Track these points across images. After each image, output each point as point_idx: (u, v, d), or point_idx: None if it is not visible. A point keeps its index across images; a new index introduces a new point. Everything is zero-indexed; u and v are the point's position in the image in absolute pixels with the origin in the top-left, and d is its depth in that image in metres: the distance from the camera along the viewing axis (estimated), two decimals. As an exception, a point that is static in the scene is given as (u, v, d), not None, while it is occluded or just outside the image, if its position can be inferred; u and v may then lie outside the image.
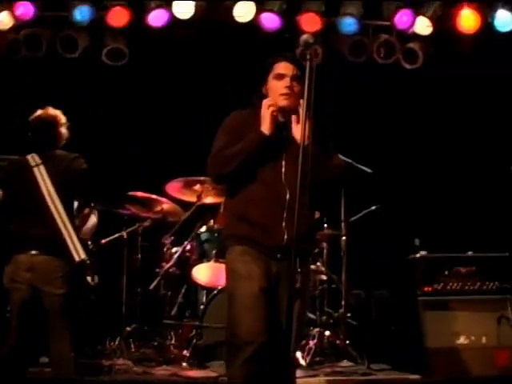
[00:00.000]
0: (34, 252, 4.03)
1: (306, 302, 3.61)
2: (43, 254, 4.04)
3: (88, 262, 4.07)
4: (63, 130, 4.40)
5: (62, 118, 4.42)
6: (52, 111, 4.42)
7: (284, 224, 3.28)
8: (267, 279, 3.28)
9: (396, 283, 5.93)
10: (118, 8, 6.26)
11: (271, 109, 3.37)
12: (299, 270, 3.02)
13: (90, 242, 4.61)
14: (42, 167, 4.23)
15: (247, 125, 3.45)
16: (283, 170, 3.36)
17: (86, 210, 4.30)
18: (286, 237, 3.27)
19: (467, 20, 6.43)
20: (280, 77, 3.43)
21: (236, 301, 3.27)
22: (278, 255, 3.29)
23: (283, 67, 3.46)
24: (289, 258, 3.00)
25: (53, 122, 4.36)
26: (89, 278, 4.09)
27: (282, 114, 3.44)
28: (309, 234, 3.38)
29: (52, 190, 4.13)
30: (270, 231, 3.31)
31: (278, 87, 3.42)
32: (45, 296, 4.00)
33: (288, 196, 3.29)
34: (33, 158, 4.25)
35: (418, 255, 5.50)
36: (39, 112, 4.39)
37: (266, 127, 3.35)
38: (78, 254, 4.05)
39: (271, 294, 3.27)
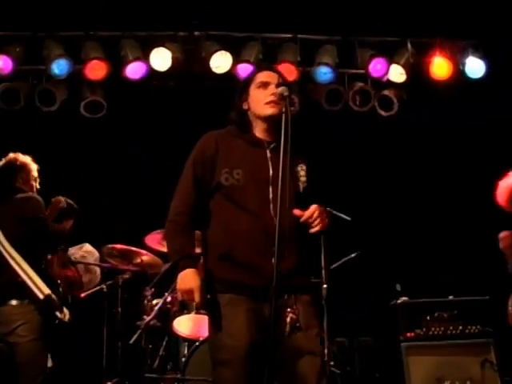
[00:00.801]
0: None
1: (316, 350, 3.08)
2: (3, 304, 3.98)
3: (53, 297, 3.97)
4: (24, 175, 4.38)
5: (25, 163, 4.41)
6: (11, 156, 4.43)
7: (273, 260, 2.86)
8: (258, 331, 2.94)
9: (379, 329, 5.91)
10: (95, 61, 6.32)
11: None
12: (294, 307, 2.88)
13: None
14: None
15: (220, 148, 3.19)
16: (271, 196, 3.06)
17: (49, 256, 4.20)
18: (275, 273, 2.83)
19: (439, 67, 6.59)
20: (264, 85, 3.22)
21: (220, 364, 3.00)
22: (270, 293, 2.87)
23: (267, 75, 3.27)
24: (281, 296, 2.84)
25: (10, 167, 4.37)
26: (58, 314, 4.00)
27: (267, 129, 3.21)
28: (301, 266, 3.09)
29: (1, 236, 4.07)
30: (257, 269, 2.96)
31: (263, 96, 3.19)
32: (13, 347, 3.92)
33: (277, 226, 2.89)
34: None
35: (399, 301, 5.50)
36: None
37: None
38: (41, 291, 3.96)
39: (264, 344, 2.88)
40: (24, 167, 4.42)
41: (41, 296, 3.93)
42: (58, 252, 4.28)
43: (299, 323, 2.89)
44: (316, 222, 3.02)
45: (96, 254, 5.59)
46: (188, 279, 3.05)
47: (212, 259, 3.13)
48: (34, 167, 4.49)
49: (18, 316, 3.93)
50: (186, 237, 3.15)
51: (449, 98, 6.66)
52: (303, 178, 3.16)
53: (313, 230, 3.02)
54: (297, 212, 3.03)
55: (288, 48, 6.55)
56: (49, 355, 4.14)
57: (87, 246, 5.61)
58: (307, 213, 3.02)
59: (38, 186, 4.54)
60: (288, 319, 2.85)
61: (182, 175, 3.26)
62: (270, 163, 3.11)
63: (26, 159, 4.48)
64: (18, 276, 3.95)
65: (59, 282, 4.28)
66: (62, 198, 4.47)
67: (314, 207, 3.04)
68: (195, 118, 6.79)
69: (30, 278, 3.95)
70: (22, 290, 3.94)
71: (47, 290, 3.96)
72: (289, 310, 2.86)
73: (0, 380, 3.96)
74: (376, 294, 6.01)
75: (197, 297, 3.04)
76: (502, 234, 4.61)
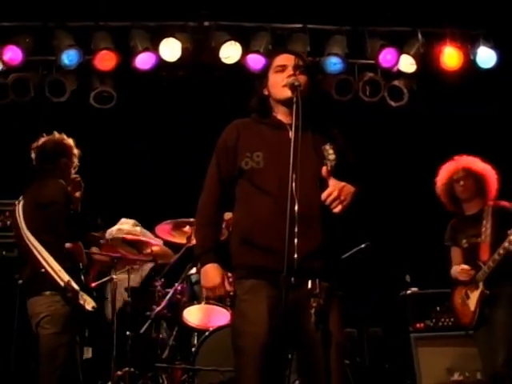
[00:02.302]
0: (28, 298, 3.98)
1: (340, 340, 3.00)
2: (32, 295, 3.97)
3: (71, 283, 3.88)
4: (67, 161, 4.25)
5: (70, 146, 4.27)
6: (57, 136, 4.29)
7: (296, 240, 2.81)
8: (279, 317, 2.87)
9: (388, 320, 5.91)
10: (105, 52, 6.32)
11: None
12: (317, 292, 2.77)
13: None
14: (21, 202, 4.15)
15: (241, 135, 3.22)
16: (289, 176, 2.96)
17: (68, 245, 4.06)
18: (296, 256, 2.79)
19: (450, 57, 6.55)
20: (282, 68, 3.22)
21: (240, 351, 3.03)
22: (292, 279, 2.81)
23: (284, 58, 3.28)
24: (304, 283, 2.78)
25: (53, 149, 4.24)
26: (81, 302, 3.93)
27: (288, 111, 3.18)
28: (324, 249, 3.01)
29: (23, 223, 4.03)
30: (278, 253, 2.85)
31: (281, 79, 3.19)
32: (38, 338, 3.92)
33: (297, 207, 2.87)
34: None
35: (409, 292, 5.50)
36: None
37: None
38: (61, 278, 3.89)
39: (286, 332, 2.88)
40: (68, 152, 4.27)
41: (61, 284, 3.87)
42: (80, 239, 4.15)
43: (323, 315, 2.81)
44: (335, 203, 2.95)
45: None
46: (210, 276, 3.13)
47: (234, 244, 3.17)
48: (76, 152, 4.34)
49: (43, 307, 3.89)
50: (210, 228, 3.22)
51: (459, 89, 6.62)
52: (332, 157, 3.13)
53: (335, 211, 2.97)
54: (323, 195, 2.98)
55: (298, 38, 6.52)
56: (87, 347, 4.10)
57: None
58: (325, 193, 2.96)
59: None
60: (312, 310, 2.77)
61: (209, 167, 3.31)
62: (292, 144, 3.01)
63: (71, 142, 4.32)
64: (42, 266, 3.89)
65: (81, 267, 4.17)
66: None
67: (332, 187, 2.97)
68: (205, 108, 6.80)
69: (51, 267, 3.89)
70: (46, 281, 3.89)
71: (66, 277, 3.89)
72: (312, 300, 2.78)
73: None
74: (385, 285, 6.00)
75: (219, 291, 3.12)
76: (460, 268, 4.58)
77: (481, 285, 4.47)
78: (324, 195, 2.96)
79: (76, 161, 4.33)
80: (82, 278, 4.11)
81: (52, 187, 4.06)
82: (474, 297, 4.52)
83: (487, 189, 4.75)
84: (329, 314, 2.92)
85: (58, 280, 3.88)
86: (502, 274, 4.41)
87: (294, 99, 3.05)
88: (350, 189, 3.01)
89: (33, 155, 4.28)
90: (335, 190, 2.96)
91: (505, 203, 4.71)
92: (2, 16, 6.20)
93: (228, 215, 3.46)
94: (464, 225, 4.80)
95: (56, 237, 4.00)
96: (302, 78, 3.17)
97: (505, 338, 4.31)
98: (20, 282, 4.27)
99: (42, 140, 4.30)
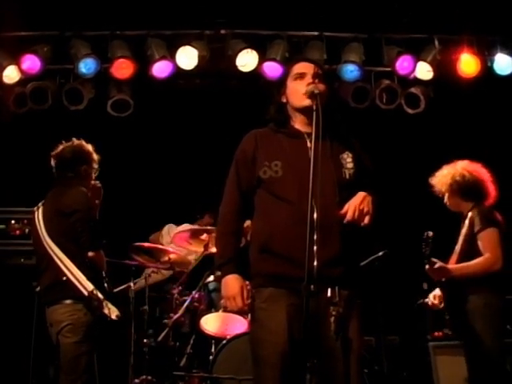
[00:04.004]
0: (47, 306, 3.97)
1: (359, 348, 3.01)
2: (53, 304, 3.94)
3: (95, 292, 3.85)
4: (87, 168, 4.21)
5: (90, 152, 4.24)
6: (76, 143, 4.26)
7: (316, 248, 2.84)
8: (299, 327, 2.85)
9: (406, 329, 5.87)
10: (122, 60, 6.36)
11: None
12: (337, 300, 2.80)
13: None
14: (40, 209, 4.13)
15: (260, 144, 3.23)
16: (310, 184, 2.96)
17: (90, 254, 4.00)
18: (316, 263, 2.81)
19: (467, 64, 6.52)
20: (301, 76, 3.22)
21: (259, 360, 3.03)
22: (312, 287, 2.79)
23: (303, 66, 3.27)
24: (324, 291, 2.79)
25: (74, 156, 4.21)
26: (106, 311, 3.90)
27: (306, 120, 3.20)
28: (344, 256, 3.01)
29: (44, 231, 4.01)
30: (298, 260, 2.86)
31: (300, 87, 3.19)
32: (59, 347, 3.88)
33: (316, 214, 2.89)
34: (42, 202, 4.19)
35: (426, 300, 5.45)
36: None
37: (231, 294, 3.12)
38: (85, 287, 3.86)
39: (305, 342, 2.83)
40: (88, 158, 4.24)
41: (85, 293, 3.85)
42: (101, 248, 4.09)
43: (343, 323, 2.83)
44: (362, 218, 2.97)
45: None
46: (230, 286, 3.13)
47: (254, 253, 3.17)
48: (96, 158, 4.31)
49: (65, 316, 3.86)
50: (231, 237, 3.22)
51: (476, 95, 6.59)
52: (350, 165, 3.17)
53: (364, 224, 2.98)
54: (340, 213, 2.99)
55: (314, 46, 6.52)
56: None
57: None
58: (347, 216, 2.97)
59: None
60: (332, 318, 2.79)
61: (228, 176, 3.32)
62: (310, 153, 3.04)
63: (90, 148, 4.29)
64: (64, 274, 3.88)
65: (105, 275, 4.14)
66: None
67: (350, 206, 2.98)
68: (222, 116, 6.81)
69: (74, 275, 3.87)
70: (68, 290, 3.87)
71: (90, 287, 3.86)
72: (332, 308, 2.80)
73: None
74: (403, 293, 5.97)
75: (238, 302, 3.09)
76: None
77: None
78: (347, 218, 2.97)
79: (96, 166, 4.31)
80: (106, 286, 4.10)
81: (74, 195, 4.05)
82: None
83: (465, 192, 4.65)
84: (348, 322, 2.93)
85: (82, 289, 3.86)
86: None
87: (314, 107, 3.05)
88: (367, 197, 3.02)
89: (52, 163, 4.28)
90: (354, 207, 2.98)
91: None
92: (20, 26, 6.25)
93: (246, 223, 3.45)
94: None
95: (78, 245, 3.98)
96: (321, 87, 3.17)
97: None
98: (37, 289, 4.27)
99: (61, 147, 4.30)
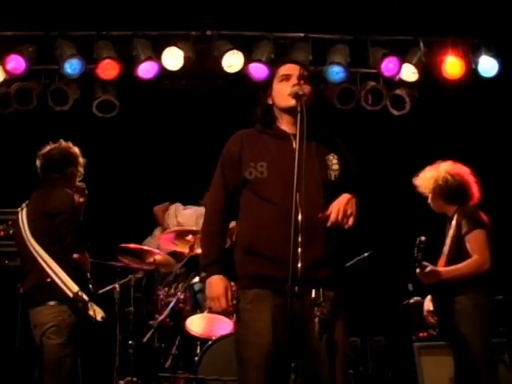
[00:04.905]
0: (31, 308, 3.95)
1: (344, 349, 3.00)
2: (37, 305, 3.91)
3: (80, 294, 3.84)
4: (73, 170, 4.20)
5: (76, 155, 4.22)
6: (64, 145, 4.24)
7: (300, 249, 2.82)
8: (283, 328, 2.84)
9: (391, 329, 5.89)
10: (107, 61, 6.34)
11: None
12: (321, 301, 2.81)
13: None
14: (24, 210, 4.10)
15: (245, 145, 3.23)
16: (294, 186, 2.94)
17: (75, 255, 3.99)
18: (300, 265, 2.80)
19: (452, 66, 6.56)
20: (286, 77, 3.24)
21: (244, 361, 3.02)
22: (296, 289, 2.79)
23: (288, 68, 3.29)
24: (309, 292, 2.80)
25: (60, 157, 4.19)
26: (91, 313, 3.89)
27: (292, 121, 3.17)
28: (329, 257, 3.01)
29: (28, 232, 3.99)
30: (282, 262, 2.85)
31: (285, 88, 3.20)
32: (43, 348, 3.86)
33: (301, 216, 2.88)
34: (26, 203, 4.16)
35: (411, 300, 5.48)
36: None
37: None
38: (70, 288, 3.85)
39: (290, 343, 2.83)
40: (75, 161, 4.23)
41: (70, 294, 3.84)
42: (86, 250, 4.08)
43: (327, 324, 2.83)
44: (345, 220, 2.96)
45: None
46: (214, 287, 3.12)
47: (239, 254, 3.17)
48: (82, 162, 4.30)
49: (49, 317, 3.84)
50: (216, 238, 3.22)
51: (461, 97, 6.63)
52: (335, 166, 3.18)
53: (347, 226, 2.97)
54: (322, 215, 2.99)
55: (300, 47, 6.55)
56: None
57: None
58: (330, 220, 2.96)
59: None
60: (316, 319, 2.80)
61: (213, 177, 3.32)
62: (296, 154, 3.00)
63: (77, 151, 4.28)
64: (48, 276, 3.86)
65: (89, 277, 4.13)
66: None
67: (332, 210, 2.98)
68: (207, 117, 6.80)
69: (58, 277, 3.85)
70: (53, 291, 3.85)
71: (76, 288, 3.85)
72: (316, 309, 2.81)
73: None
74: (388, 294, 5.98)
75: (223, 303, 3.09)
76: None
77: None
78: (331, 220, 2.96)
79: (82, 170, 4.30)
80: (91, 287, 4.08)
81: (59, 197, 4.03)
82: None
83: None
84: (333, 322, 2.94)
85: (66, 290, 3.84)
86: None
87: (299, 108, 3.06)
88: (351, 199, 3.02)
89: (38, 163, 4.25)
90: (338, 209, 2.97)
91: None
92: (4, 25, 6.22)
93: (231, 224, 3.45)
94: None
95: (62, 247, 3.97)
96: (307, 88, 3.19)
97: None
98: (21, 291, 4.25)
99: (48, 148, 4.27)
